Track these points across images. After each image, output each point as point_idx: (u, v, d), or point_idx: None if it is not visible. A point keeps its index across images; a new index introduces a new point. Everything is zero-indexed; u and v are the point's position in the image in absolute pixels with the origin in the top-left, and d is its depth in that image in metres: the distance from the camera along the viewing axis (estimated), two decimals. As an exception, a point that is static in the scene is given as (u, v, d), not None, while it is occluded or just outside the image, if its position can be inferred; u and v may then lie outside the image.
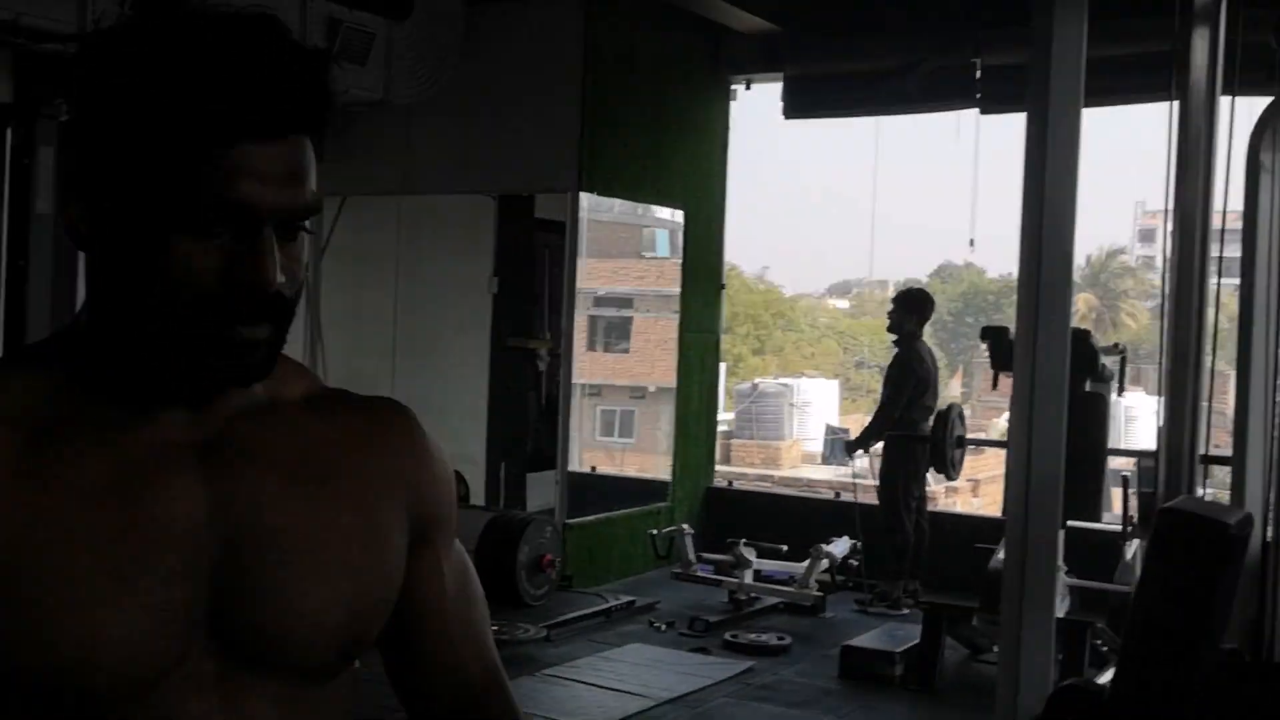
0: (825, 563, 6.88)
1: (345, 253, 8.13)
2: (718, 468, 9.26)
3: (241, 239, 0.95)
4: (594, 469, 9.91)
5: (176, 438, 1.01)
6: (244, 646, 1.01)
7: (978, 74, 7.58)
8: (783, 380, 27.64)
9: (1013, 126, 9.97)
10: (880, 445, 7.19)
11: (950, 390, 27.45)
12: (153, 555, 0.98)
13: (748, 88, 8.51)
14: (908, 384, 7.04)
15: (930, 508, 7.53)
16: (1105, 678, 3.89)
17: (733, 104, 8.52)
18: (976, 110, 7.73)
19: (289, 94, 0.95)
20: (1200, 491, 4.23)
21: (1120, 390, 6.07)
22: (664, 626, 6.51)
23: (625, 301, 12.14)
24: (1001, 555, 5.80)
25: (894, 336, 7.24)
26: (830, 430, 21.69)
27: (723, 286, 8.70)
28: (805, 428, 25.06)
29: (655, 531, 7.32)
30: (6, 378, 1.01)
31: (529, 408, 9.29)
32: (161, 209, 0.94)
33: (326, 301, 8.11)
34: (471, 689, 1.20)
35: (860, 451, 7.41)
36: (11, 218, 5.06)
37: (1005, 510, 6.42)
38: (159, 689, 0.98)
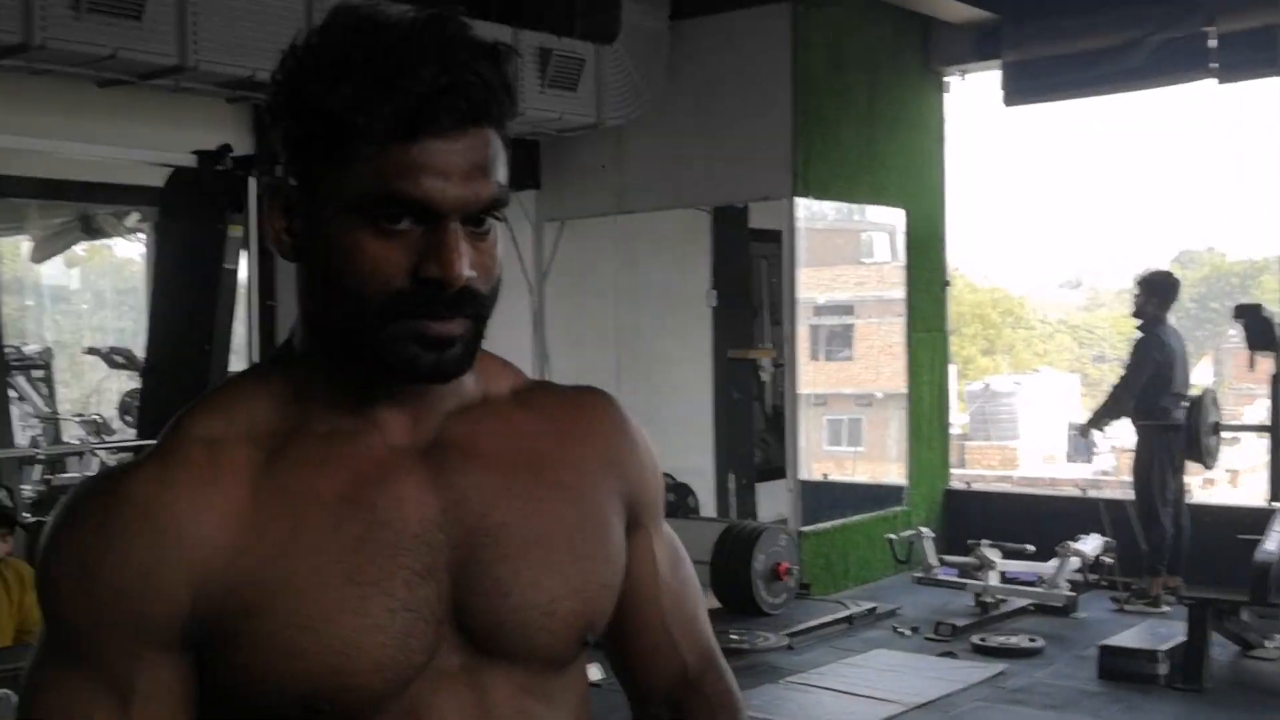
0: (1076, 561, 6.61)
1: (566, 276, 8.29)
2: (953, 472, 9.03)
3: (427, 234, 0.97)
4: (825, 476, 9.81)
5: (400, 442, 1.04)
6: (485, 639, 1.04)
7: (1212, 43, 7.19)
8: (1016, 379, 26.81)
9: (1255, 98, 9.43)
10: (1134, 439, 6.89)
11: (1199, 378, 26.10)
12: (394, 559, 1.01)
13: (963, 78, 8.31)
14: (1145, 367, 6.71)
15: (1186, 499, 7.15)
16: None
17: (946, 96, 8.33)
18: (1213, 81, 7.32)
19: (465, 88, 0.96)
20: None
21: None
22: (908, 631, 6.37)
23: (846, 308, 11.97)
24: (1270, 545, 5.47)
25: (1138, 321, 6.92)
26: (1073, 427, 20.92)
27: (948, 284, 8.50)
28: (1043, 426, 24.24)
29: (894, 536, 7.17)
30: (237, 398, 1.05)
31: (754, 418, 9.27)
32: (348, 210, 0.97)
33: (551, 325, 8.28)
34: (688, 671, 1.21)
35: (1096, 432, 7.14)
36: (260, 261, 5.35)
37: (1273, 497, 6.08)
38: (411, 686, 1.01)
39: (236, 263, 5.44)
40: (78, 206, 7.90)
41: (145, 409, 5.97)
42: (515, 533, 1.05)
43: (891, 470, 8.13)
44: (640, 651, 1.19)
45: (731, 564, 6.55)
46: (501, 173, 1.00)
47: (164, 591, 0.97)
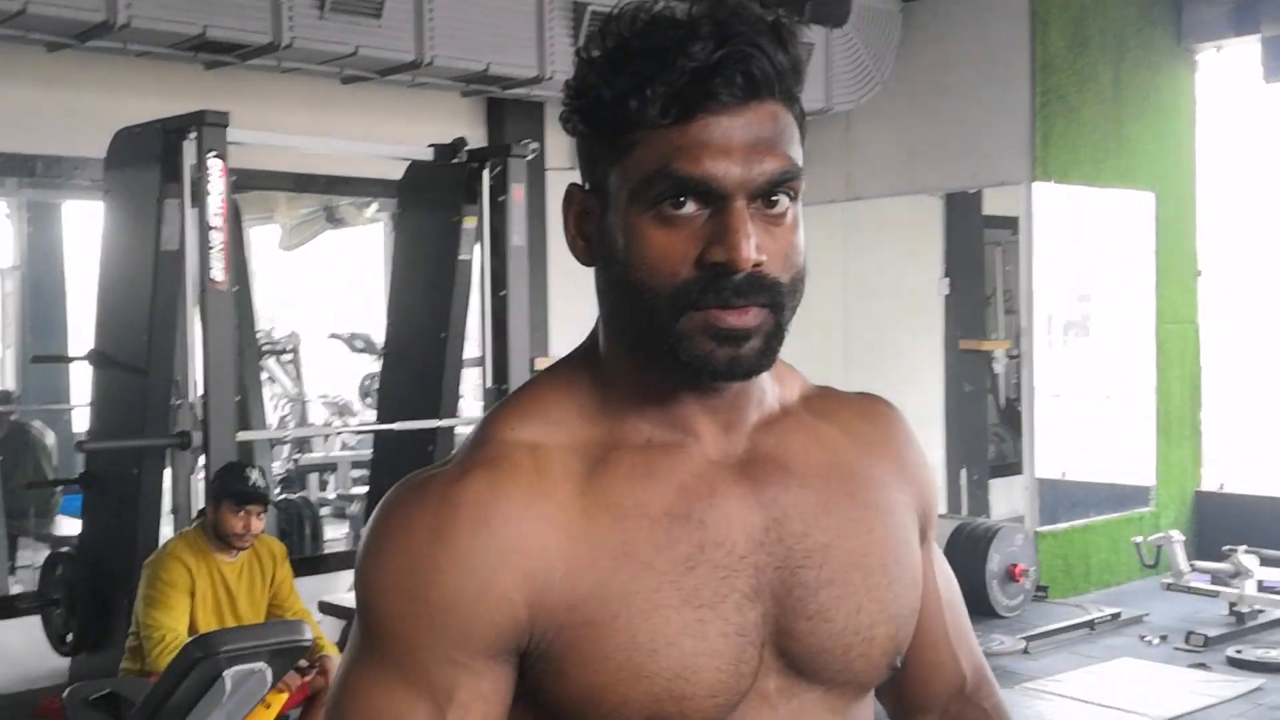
0: (1343, 571, 6.15)
1: (794, 264, 8.17)
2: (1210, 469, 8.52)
3: (712, 218, 0.94)
4: (1064, 474, 9.41)
5: (716, 455, 1.01)
6: (805, 663, 1.02)
7: None
8: None
9: None
10: None
11: None
12: (726, 581, 0.98)
13: (1217, 53, 7.81)
14: None
15: None
16: None
17: (1198, 74, 7.85)
18: None
19: (743, 61, 0.93)
20: None
21: None
22: (1157, 640, 6.03)
23: (1084, 297, 11.50)
24: None
25: None
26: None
27: (1199, 273, 8.02)
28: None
29: (1141, 539, 6.81)
30: (549, 402, 1.02)
31: (987, 411, 8.97)
32: (631, 200, 0.95)
33: (779, 314, 8.19)
34: (966, 685, 1.18)
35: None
36: (492, 251, 5.43)
37: None
38: (736, 709, 0.99)
39: (470, 253, 5.54)
40: (323, 198, 8.25)
41: (384, 392, 6.16)
42: (836, 555, 1.02)
43: (1139, 467, 7.73)
44: (923, 666, 1.16)
45: (964, 563, 6.33)
46: (794, 149, 0.96)
47: (500, 601, 0.95)
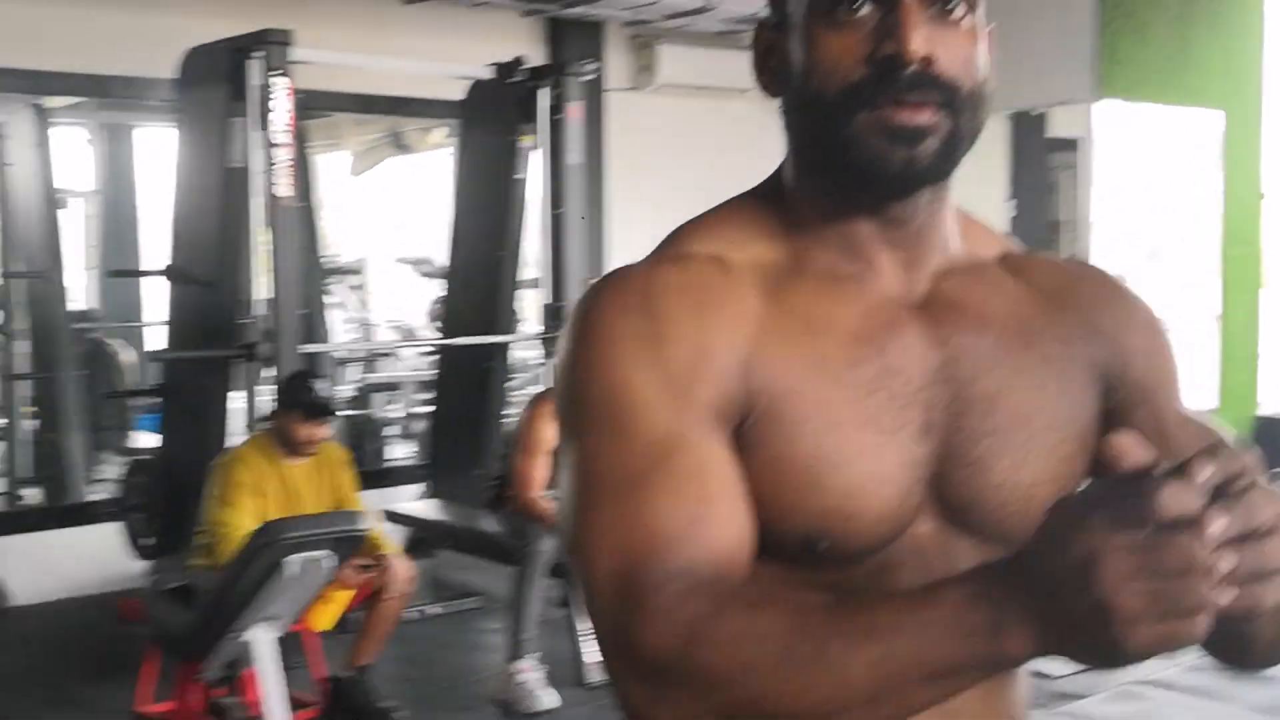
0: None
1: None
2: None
3: (884, 17, 0.94)
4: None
5: (895, 291, 1.01)
6: (959, 511, 1.00)
7: None
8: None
9: None
10: None
11: None
12: (905, 411, 0.98)
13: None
14: None
15: None
16: None
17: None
18: None
19: None
20: None
21: None
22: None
23: (1147, 220, 11.35)
24: None
25: None
26: None
27: (1263, 196, 7.91)
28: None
29: (1194, 460, 6.79)
30: (731, 225, 1.03)
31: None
32: (809, 10, 0.96)
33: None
34: None
35: None
36: (549, 170, 5.52)
37: None
38: (894, 543, 0.98)
39: (527, 172, 5.63)
40: (390, 122, 8.36)
41: (445, 310, 6.30)
42: (1004, 405, 1.00)
43: (1197, 393, 7.69)
44: None
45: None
46: None
47: (724, 371, 0.94)
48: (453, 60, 5.97)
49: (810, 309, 0.99)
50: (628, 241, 7.08)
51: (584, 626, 4.41)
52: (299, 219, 4.77)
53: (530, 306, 6.27)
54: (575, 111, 5.41)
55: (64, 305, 5.95)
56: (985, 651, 0.77)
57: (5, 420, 6.34)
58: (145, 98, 5.78)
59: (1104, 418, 1.04)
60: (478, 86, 5.70)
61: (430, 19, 6.17)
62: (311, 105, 5.99)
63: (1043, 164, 8.89)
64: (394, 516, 5.28)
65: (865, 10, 0.94)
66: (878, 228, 1.00)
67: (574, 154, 5.44)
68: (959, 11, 0.95)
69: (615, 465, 0.92)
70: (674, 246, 1.02)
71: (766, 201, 1.04)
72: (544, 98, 5.44)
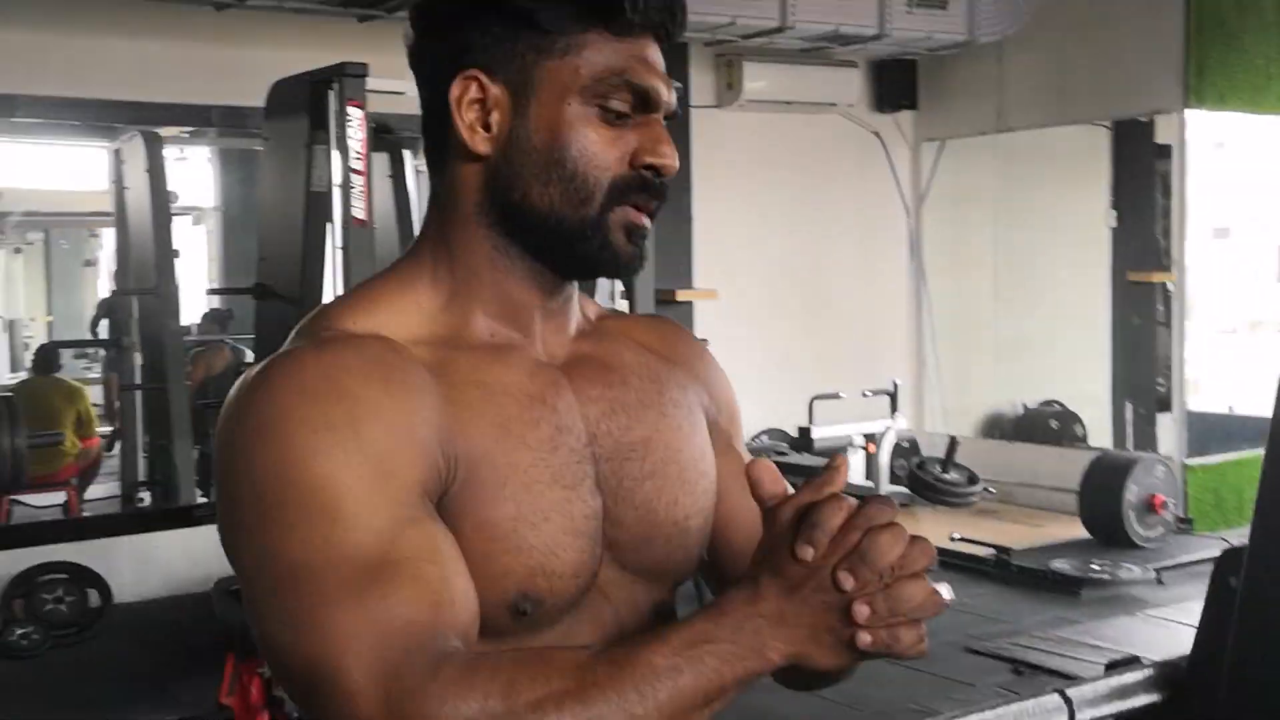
0: None
1: (945, 197, 8.19)
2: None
3: (640, 127, 1.02)
4: (1231, 409, 9.15)
5: (545, 357, 1.06)
6: (632, 554, 1.05)
7: None
8: None
9: None
10: None
11: None
12: (580, 465, 1.02)
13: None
14: None
15: None
16: None
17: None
18: None
19: (679, 8, 1.04)
20: None
21: None
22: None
23: (1244, 228, 11.05)
24: None
25: None
26: None
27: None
28: None
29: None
30: (387, 301, 1.03)
31: (1157, 345, 8.79)
32: (578, 96, 1.00)
33: (928, 247, 8.22)
34: None
35: None
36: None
37: None
38: (581, 598, 1.02)
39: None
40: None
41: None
42: (655, 449, 1.06)
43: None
44: (736, 555, 1.14)
45: (1101, 494, 6.35)
46: None
47: (417, 436, 0.94)
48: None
49: (482, 376, 1.00)
50: (713, 255, 7.23)
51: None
52: (372, 238, 5.03)
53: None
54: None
55: (175, 319, 6.34)
56: (758, 668, 0.89)
57: (121, 428, 6.79)
58: (246, 126, 6.13)
59: (719, 454, 1.16)
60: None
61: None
62: (385, 131, 6.24)
63: (1148, 171, 8.75)
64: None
65: (626, 115, 1.01)
66: (541, 299, 1.05)
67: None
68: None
69: (340, 562, 0.88)
70: (327, 327, 1.00)
71: (415, 276, 1.05)
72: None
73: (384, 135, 6.78)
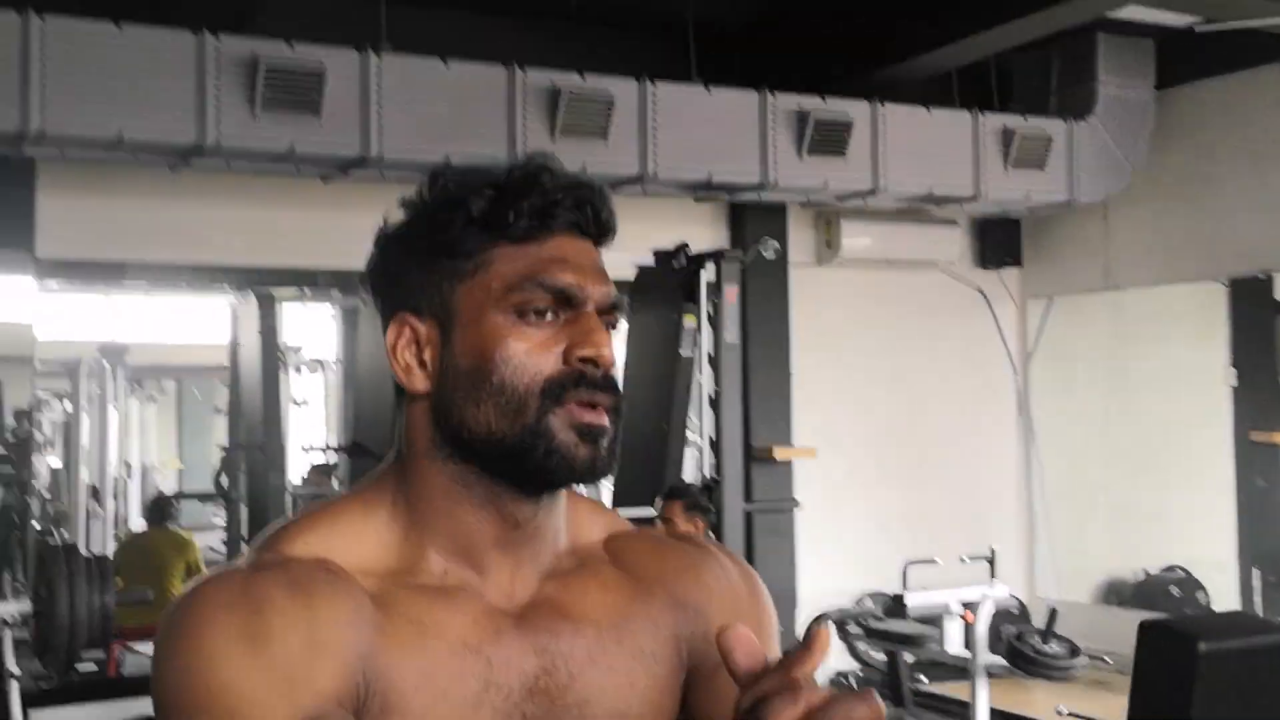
0: None
1: (1053, 355, 8.06)
2: None
3: (570, 323, 1.04)
4: (1370, 577, 8.66)
5: (501, 602, 1.06)
6: None
7: None
8: None
9: None
10: None
11: None
12: (506, 713, 1.03)
13: None
14: None
15: None
16: None
17: None
18: None
19: (588, 198, 1.07)
20: None
21: None
22: None
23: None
24: None
25: None
26: None
27: None
28: None
29: None
30: (344, 526, 1.06)
31: (1287, 509, 8.43)
32: (495, 308, 1.03)
33: (1037, 406, 8.07)
34: None
35: None
36: (712, 348, 5.77)
37: None
38: None
39: (692, 350, 5.89)
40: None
41: (618, 480, 6.57)
42: (597, 708, 1.06)
43: None
44: None
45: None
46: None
47: (331, 658, 0.97)
48: (635, 241, 6.34)
49: (422, 616, 1.01)
50: (813, 413, 7.21)
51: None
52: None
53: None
54: (731, 295, 5.67)
55: (279, 473, 6.55)
56: None
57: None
58: (350, 289, 6.40)
59: (692, 679, 1.12)
60: (644, 270, 6.05)
61: (619, 207, 6.57)
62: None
63: (1271, 327, 8.50)
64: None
65: (549, 316, 1.03)
66: (499, 532, 1.05)
67: (730, 334, 5.67)
68: (616, 324, 1.07)
69: None
70: (271, 550, 1.03)
71: (376, 506, 1.07)
72: (704, 280, 5.73)
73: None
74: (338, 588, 1.00)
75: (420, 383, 1.06)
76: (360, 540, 1.04)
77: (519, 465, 1.03)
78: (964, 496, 7.65)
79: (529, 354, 1.02)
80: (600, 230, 1.08)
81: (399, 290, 1.08)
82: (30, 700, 4.25)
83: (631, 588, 1.12)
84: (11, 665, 4.09)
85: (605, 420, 1.03)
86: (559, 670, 1.05)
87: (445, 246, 1.05)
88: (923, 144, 6.44)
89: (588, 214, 1.07)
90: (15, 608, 4.21)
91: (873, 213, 7.10)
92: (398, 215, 1.10)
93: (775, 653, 1.09)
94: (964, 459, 7.74)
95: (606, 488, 9.38)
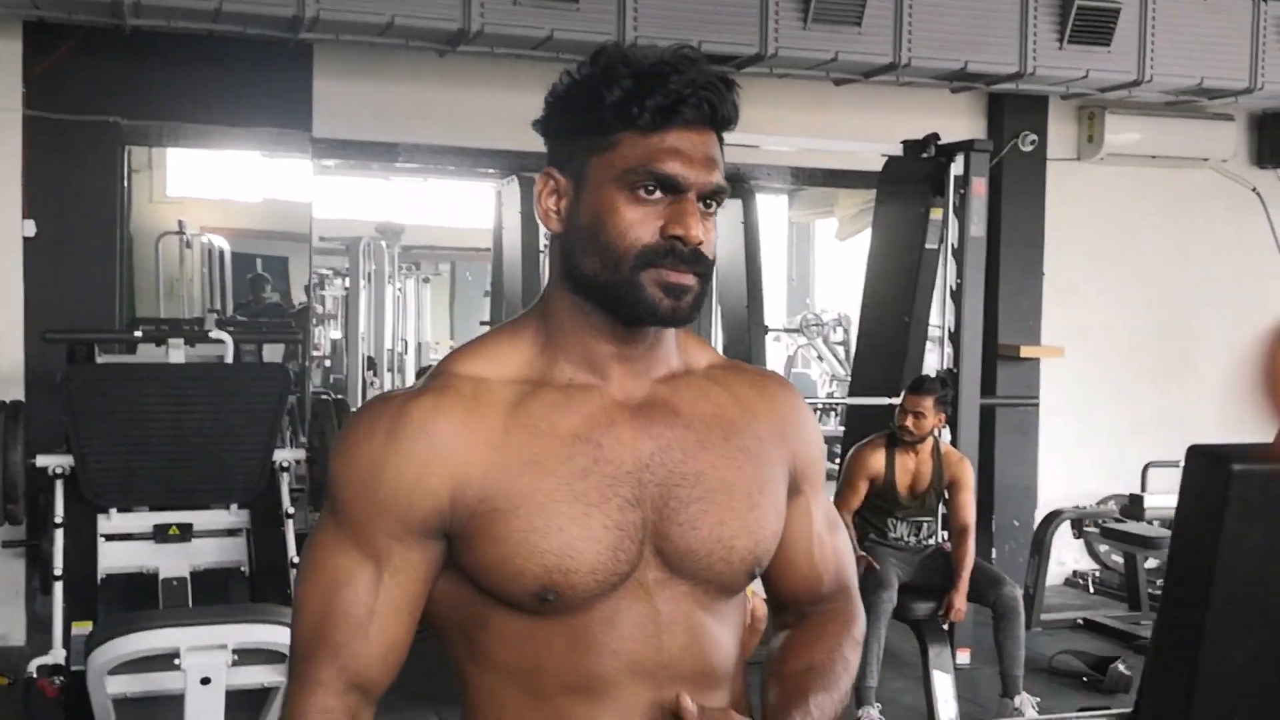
0: None
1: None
2: None
3: (671, 204, 1.27)
4: None
5: (621, 397, 1.32)
6: (676, 561, 1.31)
7: None
8: None
9: None
10: None
11: None
12: (611, 488, 1.28)
13: None
14: None
15: None
16: None
17: None
18: None
19: (707, 96, 1.27)
20: None
21: None
22: None
23: None
24: None
25: None
26: None
27: None
28: None
29: None
30: (498, 347, 1.34)
31: None
32: (614, 183, 1.27)
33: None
34: (822, 590, 1.48)
35: None
36: (957, 242, 5.73)
37: None
38: (616, 590, 1.28)
39: (937, 243, 5.86)
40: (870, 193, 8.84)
41: (856, 370, 6.64)
42: (707, 480, 1.32)
43: None
44: (790, 576, 1.46)
45: None
46: (723, 169, 1.30)
47: (429, 492, 1.26)
48: (884, 132, 6.31)
49: (539, 420, 1.29)
50: (1063, 312, 7.06)
51: (941, 678, 4.64)
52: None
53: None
54: (979, 187, 5.60)
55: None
56: None
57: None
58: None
59: (791, 496, 1.42)
60: (892, 161, 6.03)
61: (862, 97, 6.55)
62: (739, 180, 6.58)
63: None
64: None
65: (657, 195, 1.27)
66: (616, 348, 1.32)
67: (976, 227, 5.62)
68: (714, 208, 1.30)
69: (326, 563, 1.29)
70: (442, 370, 1.33)
71: (531, 324, 1.35)
72: (953, 171, 5.67)
73: (738, 184, 7.12)
74: (474, 410, 1.28)
75: (555, 225, 1.32)
76: (507, 357, 1.32)
77: (616, 307, 1.29)
78: (1223, 402, 7.35)
79: (632, 225, 1.26)
80: (721, 123, 1.29)
81: (551, 148, 1.33)
82: (302, 540, 4.70)
83: (737, 406, 1.38)
84: (288, 505, 4.54)
85: (689, 281, 1.27)
86: (672, 449, 1.31)
87: (586, 124, 1.28)
88: (1195, 31, 6.14)
89: (705, 111, 1.27)
90: (292, 454, 4.66)
91: (1139, 106, 6.82)
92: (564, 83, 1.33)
93: (820, 478, 1.47)
94: (1227, 364, 7.42)
95: (844, 378, 9.52)
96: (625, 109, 1.25)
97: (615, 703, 1.28)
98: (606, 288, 1.28)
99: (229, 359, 4.72)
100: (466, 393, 1.29)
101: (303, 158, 6.20)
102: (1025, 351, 6.86)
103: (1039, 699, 4.80)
